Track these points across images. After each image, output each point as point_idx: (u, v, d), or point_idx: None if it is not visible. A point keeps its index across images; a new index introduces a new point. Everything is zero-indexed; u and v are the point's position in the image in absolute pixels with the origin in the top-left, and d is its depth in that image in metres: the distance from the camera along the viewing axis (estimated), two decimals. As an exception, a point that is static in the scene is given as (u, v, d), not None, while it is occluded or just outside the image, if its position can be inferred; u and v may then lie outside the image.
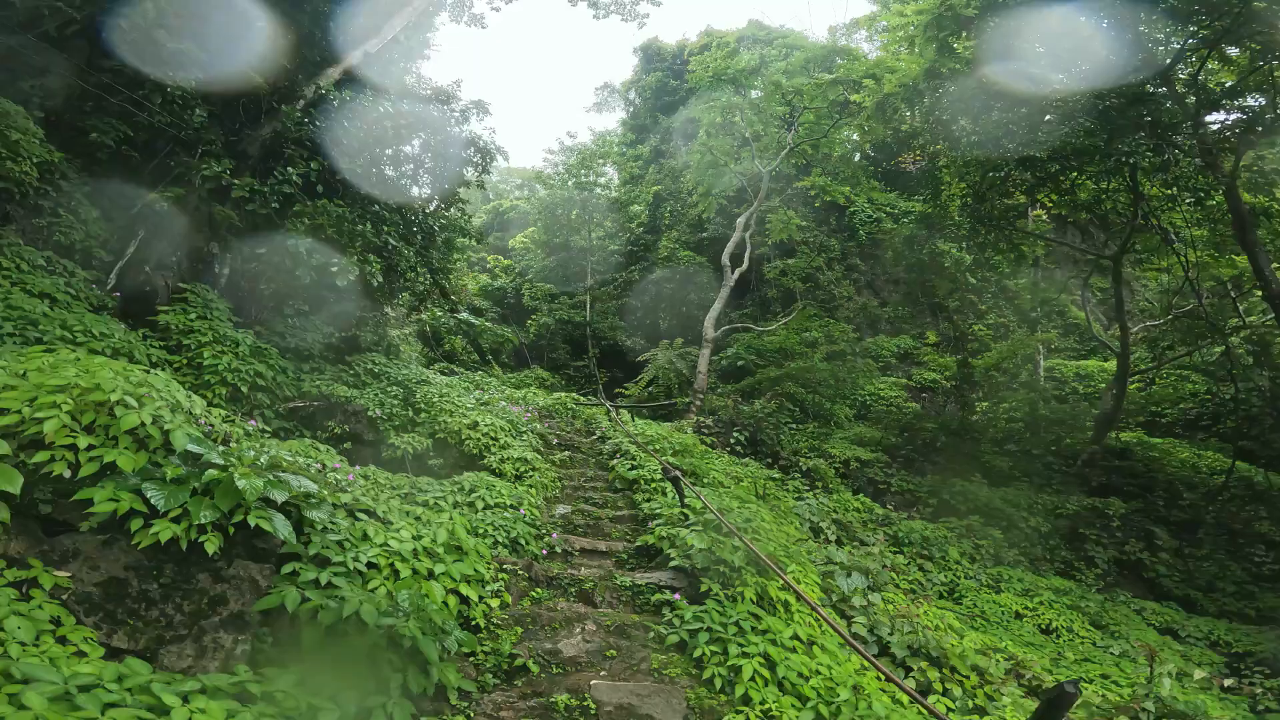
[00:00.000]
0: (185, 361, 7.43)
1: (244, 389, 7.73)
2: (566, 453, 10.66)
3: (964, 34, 14.09)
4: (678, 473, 7.87)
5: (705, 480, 9.53)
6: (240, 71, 10.14)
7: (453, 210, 15.75)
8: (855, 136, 24.17)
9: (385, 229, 12.40)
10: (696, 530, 6.38)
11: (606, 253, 31.05)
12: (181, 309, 8.10)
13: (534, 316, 29.21)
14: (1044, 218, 21.88)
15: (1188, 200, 14.50)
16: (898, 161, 28.23)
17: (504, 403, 12.38)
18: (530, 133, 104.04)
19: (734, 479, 10.42)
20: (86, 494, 3.39)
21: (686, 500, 7.48)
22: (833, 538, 9.69)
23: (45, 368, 3.98)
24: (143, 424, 3.77)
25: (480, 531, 6.40)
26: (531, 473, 8.86)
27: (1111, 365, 18.76)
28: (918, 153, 24.85)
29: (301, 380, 9.19)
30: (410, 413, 9.88)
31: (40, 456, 3.44)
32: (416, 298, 14.82)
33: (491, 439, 9.57)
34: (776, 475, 12.19)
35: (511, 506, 7.25)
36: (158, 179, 9.33)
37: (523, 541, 6.58)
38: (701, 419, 15.83)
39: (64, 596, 3.26)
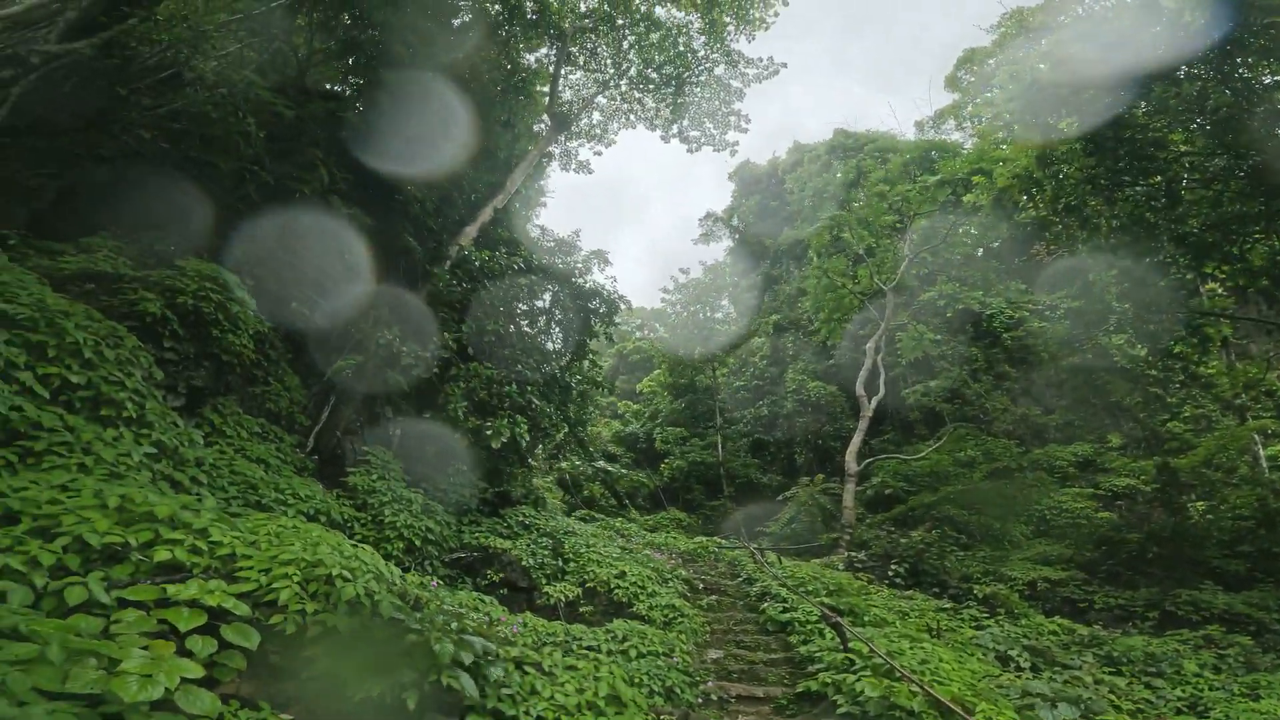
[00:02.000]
0: (370, 518, 8.40)
1: (417, 542, 8.53)
2: (713, 597, 10.41)
3: (1063, 111, 13.59)
4: (838, 618, 7.40)
5: (866, 619, 8.73)
6: (399, 235, 11.93)
7: (584, 363, 16.94)
8: (974, 231, 23.46)
9: (528, 388, 13.52)
10: (866, 676, 5.79)
11: (732, 389, 31.29)
12: (365, 470, 9.31)
13: (667, 460, 29.46)
14: (1220, 291, 19.36)
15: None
16: (1032, 255, 26.77)
17: (647, 550, 12.57)
18: (640, 266, 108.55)
19: (899, 614, 9.41)
20: (313, 651, 3.96)
21: (850, 644, 6.88)
22: (1026, 665, 8.31)
23: (272, 536, 4.75)
24: (357, 595, 4.39)
25: (635, 681, 6.29)
26: (680, 619, 8.81)
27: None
28: (1051, 242, 23.52)
29: (462, 532, 9.94)
30: (560, 562, 10.26)
31: (276, 619, 4.07)
32: (555, 448, 15.70)
33: (639, 587, 9.72)
34: (947, 606, 10.87)
35: (664, 654, 7.17)
36: (342, 346, 10.61)
37: (677, 690, 6.34)
38: (853, 554, 14.75)
39: (285, 735, 3.66)
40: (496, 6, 15.76)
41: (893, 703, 5.19)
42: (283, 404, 8.94)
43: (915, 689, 5.17)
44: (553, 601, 9.14)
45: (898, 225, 24.44)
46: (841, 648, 6.86)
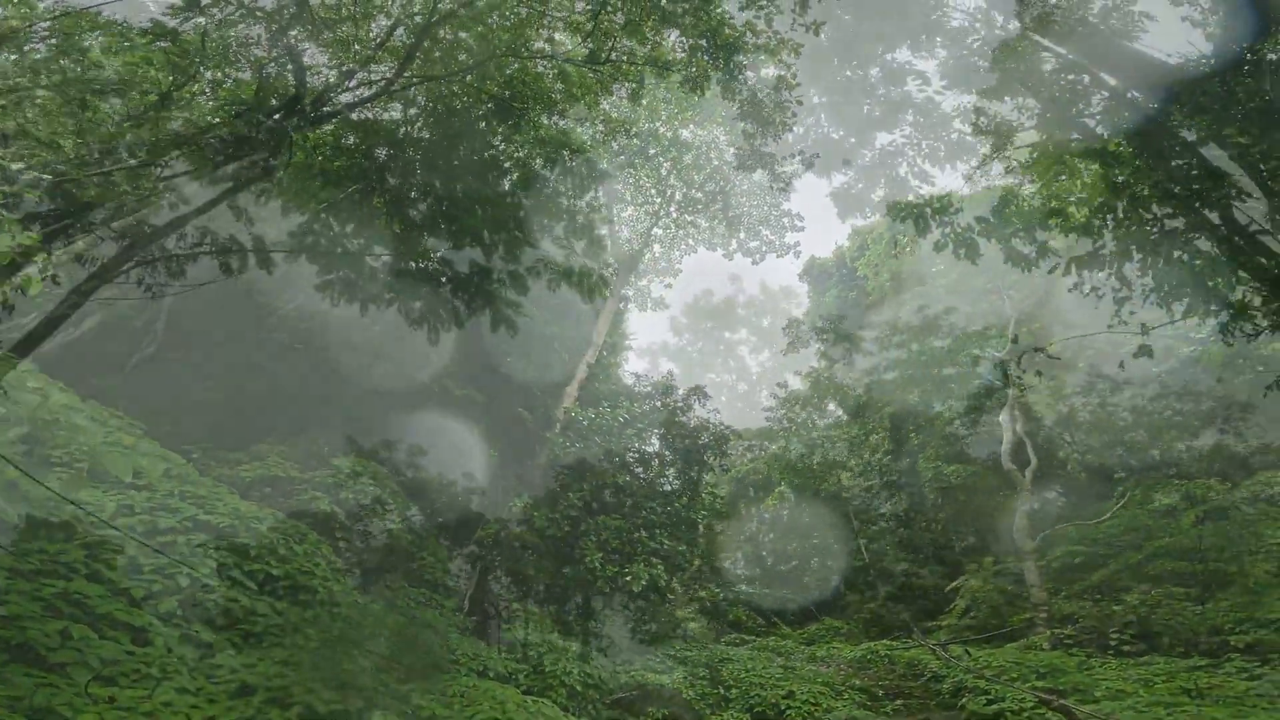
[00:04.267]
0: (531, 669, 8.47)
1: (579, 688, 8.44)
2: (899, 701, 9.55)
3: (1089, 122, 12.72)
4: (1061, 700, 6.61)
5: (1098, 694, 7.51)
6: (508, 406, 12.84)
7: (705, 497, 16.73)
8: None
9: (657, 531, 13.44)
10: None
11: (861, 489, 29.51)
12: (519, 625, 9.53)
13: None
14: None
15: None
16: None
17: (810, 665, 11.76)
18: (736, 390, 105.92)
19: (1140, 683, 8.01)
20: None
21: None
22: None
23: (459, 696, 5.05)
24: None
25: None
26: (869, 729, 7.95)
27: None
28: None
29: (618, 673, 9.74)
30: (720, 690, 9.81)
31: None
32: (692, 579, 15.23)
33: (812, 704, 9.15)
34: (1202, 664, 9.14)
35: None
36: (479, 518, 11.15)
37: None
38: (1056, 631, 12.93)
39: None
40: (539, 160, 17.93)
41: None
42: (438, 573, 9.68)
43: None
44: (724, 732, 8.59)
45: (989, 287, 23.58)
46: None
